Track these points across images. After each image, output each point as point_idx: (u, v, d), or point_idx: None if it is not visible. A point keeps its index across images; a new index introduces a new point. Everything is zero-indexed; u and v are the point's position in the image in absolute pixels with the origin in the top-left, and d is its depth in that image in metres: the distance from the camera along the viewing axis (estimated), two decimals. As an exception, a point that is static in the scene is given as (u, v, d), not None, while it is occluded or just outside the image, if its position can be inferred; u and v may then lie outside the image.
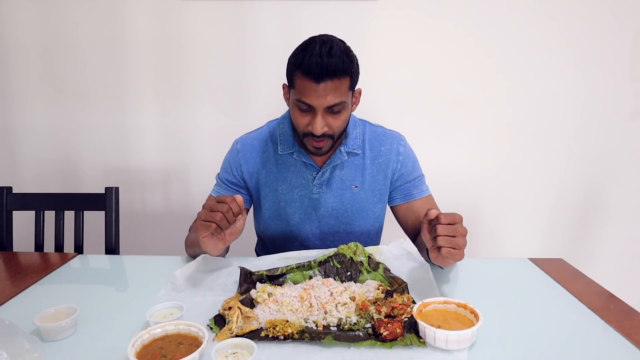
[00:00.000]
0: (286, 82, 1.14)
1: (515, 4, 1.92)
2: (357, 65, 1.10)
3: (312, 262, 1.08)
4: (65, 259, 1.23)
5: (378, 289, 0.99)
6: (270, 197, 1.26)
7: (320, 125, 1.07)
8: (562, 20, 1.94)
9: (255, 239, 1.45)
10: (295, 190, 1.25)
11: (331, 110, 1.07)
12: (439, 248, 0.91)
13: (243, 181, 1.27)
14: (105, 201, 1.42)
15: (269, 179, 1.26)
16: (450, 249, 0.90)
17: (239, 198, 0.99)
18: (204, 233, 1.00)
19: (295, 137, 1.23)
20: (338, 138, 1.16)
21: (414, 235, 1.27)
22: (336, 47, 1.04)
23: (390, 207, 1.33)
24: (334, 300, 0.94)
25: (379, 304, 0.91)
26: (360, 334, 0.85)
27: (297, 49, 1.08)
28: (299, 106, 1.08)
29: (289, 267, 1.08)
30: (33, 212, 1.44)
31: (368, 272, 1.08)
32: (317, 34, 1.09)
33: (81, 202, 1.44)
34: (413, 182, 1.27)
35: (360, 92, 1.18)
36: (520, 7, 1.93)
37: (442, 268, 1.14)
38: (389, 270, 1.08)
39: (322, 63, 1.01)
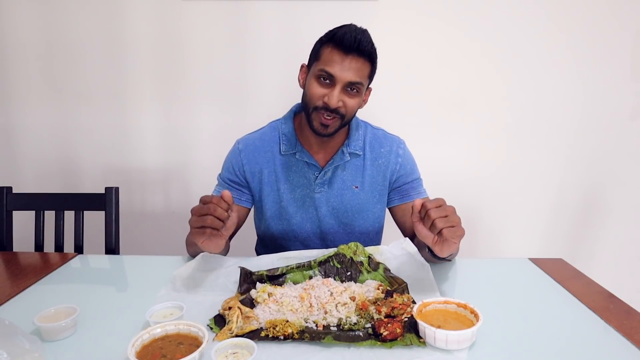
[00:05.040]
0: (305, 63, 1.18)
1: (515, 4, 1.92)
2: (377, 63, 1.14)
3: (312, 262, 1.08)
4: (65, 259, 1.23)
5: (378, 289, 0.99)
6: (272, 196, 1.27)
7: (336, 98, 1.10)
8: (562, 20, 1.94)
9: (255, 238, 1.45)
10: (297, 189, 1.25)
11: (349, 88, 1.10)
12: (439, 233, 0.92)
13: (245, 180, 1.28)
14: (105, 201, 1.42)
15: (271, 178, 1.26)
16: (450, 228, 0.91)
17: (226, 193, 0.95)
18: (201, 239, 0.97)
19: (298, 135, 1.24)
20: (346, 123, 1.17)
21: (412, 236, 1.27)
22: (367, 32, 1.11)
23: (389, 209, 1.34)
24: (334, 300, 0.94)
25: (379, 304, 0.91)
26: (360, 334, 0.85)
27: (329, 30, 1.13)
28: (320, 76, 1.11)
29: (289, 267, 1.08)
30: (33, 212, 1.44)
31: (368, 272, 1.08)
32: (319, 33, 1.14)
33: (81, 202, 1.44)
34: (411, 183, 1.28)
35: (370, 92, 1.21)
36: (520, 8, 1.93)
37: (449, 260, 1.14)
38: (389, 270, 1.08)
39: (356, 37, 1.07)
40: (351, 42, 1.06)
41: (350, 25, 1.11)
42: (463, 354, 0.78)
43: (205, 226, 0.94)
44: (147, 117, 2.04)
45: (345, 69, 1.08)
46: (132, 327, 0.85)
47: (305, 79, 1.18)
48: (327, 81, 1.10)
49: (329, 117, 1.12)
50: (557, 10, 1.93)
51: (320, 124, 1.14)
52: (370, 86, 1.19)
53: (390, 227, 1.37)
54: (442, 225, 0.91)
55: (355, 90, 1.11)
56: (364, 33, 1.09)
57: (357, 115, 1.29)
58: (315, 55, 1.14)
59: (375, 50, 1.11)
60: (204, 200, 0.95)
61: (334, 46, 1.08)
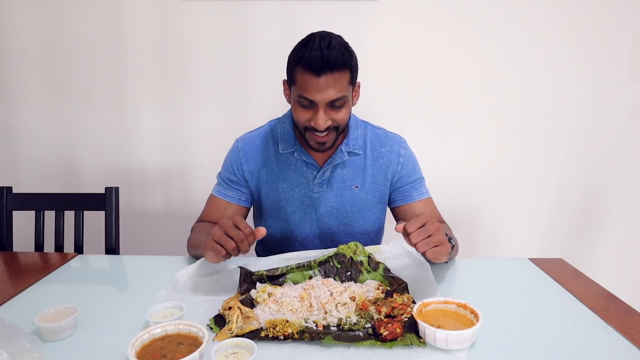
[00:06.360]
0: (286, 79, 1.15)
1: (515, 4, 1.92)
2: (356, 60, 1.11)
3: (312, 262, 1.08)
4: (65, 259, 1.23)
5: (378, 289, 0.99)
6: (271, 195, 1.26)
7: (323, 121, 1.08)
8: (561, 20, 1.95)
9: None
10: (296, 189, 1.25)
11: (333, 105, 1.08)
12: (423, 253, 0.93)
13: (244, 180, 1.27)
14: (105, 201, 1.42)
15: (270, 177, 1.26)
16: (433, 249, 0.92)
17: (261, 231, 0.95)
18: (210, 253, 0.97)
19: (297, 134, 1.23)
20: (342, 131, 1.16)
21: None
22: (335, 41, 1.05)
23: (390, 209, 1.33)
24: (334, 300, 0.94)
25: (379, 304, 0.91)
26: (360, 334, 0.85)
27: (296, 45, 1.09)
28: (301, 102, 1.09)
29: (289, 267, 1.08)
30: (33, 212, 1.44)
31: (368, 272, 1.08)
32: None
33: (81, 202, 1.44)
34: (413, 184, 1.28)
35: (359, 85, 1.19)
36: (520, 8, 1.93)
37: (447, 262, 1.14)
38: (389, 270, 1.08)
39: (322, 56, 1.02)
40: (320, 64, 1.02)
41: (314, 40, 1.04)
42: (463, 354, 0.78)
43: (225, 249, 0.94)
44: (147, 117, 2.04)
45: (322, 90, 1.04)
46: (132, 327, 0.85)
47: (289, 95, 1.16)
48: (309, 105, 1.08)
49: (322, 135, 1.12)
50: (557, 10, 1.93)
51: (316, 142, 1.13)
52: (357, 80, 1.15)
53: (390, 227, 1.37)
54: (424, 249, 0.91)
55: (340, 105, 1.09)
56: (330, 46, 1.03)
57: (356, 113, 1.28)
58: (290, 76, 1.11)
59: (348, 54, 1.06)
60: (238, 225, 0.94)
61: (305, 69, 1.04)
